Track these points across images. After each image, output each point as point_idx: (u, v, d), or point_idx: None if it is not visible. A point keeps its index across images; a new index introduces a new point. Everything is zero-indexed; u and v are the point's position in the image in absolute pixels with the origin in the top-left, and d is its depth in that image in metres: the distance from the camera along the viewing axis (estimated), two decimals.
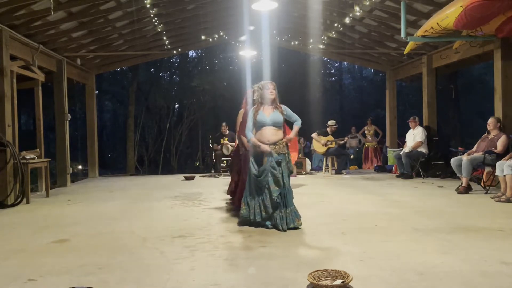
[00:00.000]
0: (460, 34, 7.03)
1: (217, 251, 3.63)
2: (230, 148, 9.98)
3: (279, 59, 17.24)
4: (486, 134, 7.17)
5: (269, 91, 4.57)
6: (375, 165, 12.19)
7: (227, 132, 10.62)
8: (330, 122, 10.61)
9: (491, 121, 6.95)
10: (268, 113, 4.54)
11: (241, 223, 4.59)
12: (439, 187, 7.67)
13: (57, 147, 9.34)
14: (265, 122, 4.51)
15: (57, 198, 7.29)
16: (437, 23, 6.29)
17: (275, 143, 4.50)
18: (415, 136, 9.32)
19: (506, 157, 6.14)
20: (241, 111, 5.65)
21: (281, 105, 4.65)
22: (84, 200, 6.95)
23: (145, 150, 20.17)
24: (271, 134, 4.50)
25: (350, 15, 8.73)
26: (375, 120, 13.77)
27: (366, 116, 14.91)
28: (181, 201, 6.54)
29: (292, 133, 4.77)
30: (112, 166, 21.19)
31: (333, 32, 10.22)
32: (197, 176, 10.74)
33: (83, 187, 9.04)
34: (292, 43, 11.93)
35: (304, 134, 12.73)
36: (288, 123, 4.98)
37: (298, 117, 4.75)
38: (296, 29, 11.24)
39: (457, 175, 7.03)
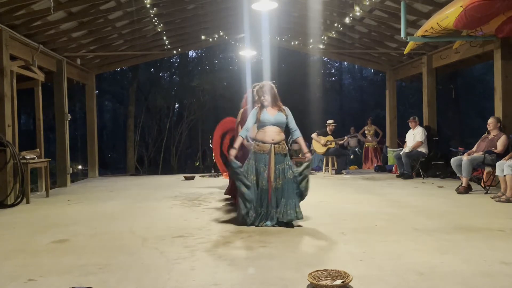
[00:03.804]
0: (460, 34, 7.03)
1: (217, 251, 3.63)
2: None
3: (279, 59, 17.22)
4: (486, 134, 7.17)
5: (262, 97, 4.70)
6: (375, 165, 12.18)
7: None
8: (329, 121, 10.63)
9: (491, 121, 6.95)
10: (272, 113, 4.66)
11: (240, 222, 4.62)
12: (439, 187, 7.67)
13: (57, 147, 9.34)
14: (269, 121, 4.62)
15: (57, 198, 7.28)
16: (437, 23, 6.29)
17: (278, 143, 4.60)
18: (415, 136, 9.32)
19: (506, 157, 6.14)
20: (241, 111, 5.65)
21: (285, 107, 4.75)
22: (84, 200, 6.95)
23: (145, 150, 20.16)
24: (275, 133, 4.62)
25: (350, 15, 8.73)
26: (375, 120, 13.75)
27: (366, 116, 14.90)
28: (181, 201, 6.54)
29: (305, 148, 4.83)
30: (112, 166, 21.18)
31: (333, 32, 10.22)
32: (197, 176, 10.74)
33: (83, 187, 9.04)
34: (292, 43, 11.93)
35: (304, 134, 12.67)
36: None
37: (297, 128, 4.82)
38: (296, 29, 11.23)
39: (457, 175, 7.03)
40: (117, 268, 3.21)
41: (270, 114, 4.63)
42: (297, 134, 4.81)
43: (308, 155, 4.76)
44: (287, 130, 4.87)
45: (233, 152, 4.65)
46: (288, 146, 4.91)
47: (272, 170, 4.53)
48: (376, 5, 8.09)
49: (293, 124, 4.77)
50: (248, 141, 5.22)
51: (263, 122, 4.62)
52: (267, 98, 4.67)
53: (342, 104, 25.66)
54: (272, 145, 4.57)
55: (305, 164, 4.64)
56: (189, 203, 6.32)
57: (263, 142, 4.60)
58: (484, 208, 5.49)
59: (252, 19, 9.66)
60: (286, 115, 4.69)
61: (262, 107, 4.70)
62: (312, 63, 19.22)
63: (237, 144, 4.75)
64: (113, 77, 22.30)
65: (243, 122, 5.36)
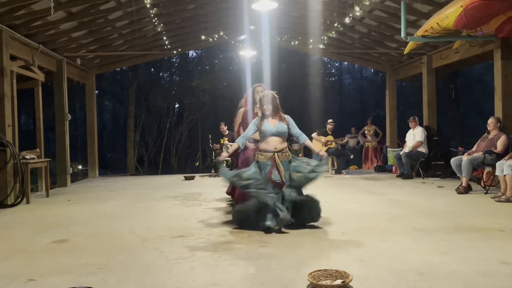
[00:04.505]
0: (460, 34, 7.03)
1: (217, 251, 3.63)
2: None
3: (279, 59, 17.21)
4: (486, 134, 7.17)
5: (265, 106, 4.69)
6: (375, 165, 12.18)
7: (227, 132, 10.62)
8: (329, 120, 10.66)
9: (491, 121, 6.95)
10: (273, 123, 4.67)
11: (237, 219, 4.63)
12: (439, 187, 7.67)
13: (57, 147, 9.34)
14: (270, 132, 4.63)
15: (57, 198, 7.29)
16: (437, 23, 6.29)
17: (281, 151, 4.61)
18: (415, 136, 9.32)
19: (506, 157, 6.14)
20: (241, 110, 5.64)
21: (285, 116, 4.77)
22: (84, 200, 6.95)
23: (145, 150, 20.15)
24: (277, 142, 4.64)
25: (350, 15, 8.72)
26: (375, 120, 13.75)
27: (366, 116, 14.90)
28: (181, 201, 6.54)
29: (316, 148, 4.92)
30: (112, 166, 21.17)
31: (333, 32, 10.22)
32: (197, 176, 10.74)
33: (83, 187, 9.04)
34: (292, 43, 11.93)
35: (304, 134, 12.63)
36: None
37: (302, 132, 4.84)
38: (296, 29, 11.23)
39: (457, 175, 7.03)
40: (117, 268, 3.21)
41: (271, 124, 4.66)
42: (303, 138, 4.83)
43: (322, 153, 4.76)
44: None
45: (224, 155, 4.80)
46: (289, 146, 4.91)
47: (282, 173, 4.53)
48: (376, 5, 8.08)
49: (296, 130, 4.80)
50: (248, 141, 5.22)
51: (264, 132, 4.65)
52: (269, 108, 4.70)
53: (342, 104, 25.65)
54: (275, 153, 4.58)
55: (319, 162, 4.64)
56: (189, 203, 6.32)
57: (265, 152, 4.61)
58: (484, 208, 5.49)
59: (252, 19, 9.66)
60: (287, 124, 4.71)
61: (263, 117, 4.71)
62: (312, 63, 19.20)
63: (231, 150, 4.84)
64: (113, 77, 22.28)
65: (243, 123, 5.36)
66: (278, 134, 4.63)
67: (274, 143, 4.61)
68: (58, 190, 8.58)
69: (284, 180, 4.51)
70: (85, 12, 7.79)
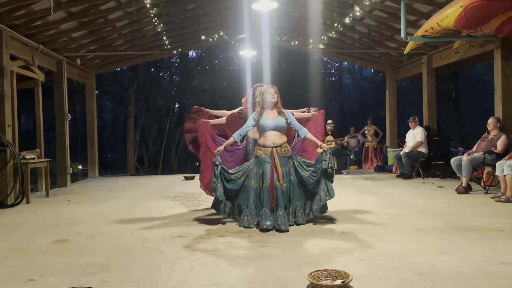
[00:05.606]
0: (460, 34, 7.03)
1: (217, 251, 3.63)
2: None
3: (279, 59, 17.20)
4: (486, 134, 7.17)
5: (270, 95, 4.68)
6: (375, 165, 12.18)
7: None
8: (328, 121, 10.66)
9: (491, 121, 6.95)
10: (272, 117, 4.65)
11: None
12: (439, 187, 7.67)
13: (57, 147, 9.34)
14: (269, 126, 4.62)
15: (57, 198, 7.29)
16: (437, 23, 6.29)
17: (279, 146, 4.60)
18: (415, 136, 9.32)
19: (506, 157, 6.14)
20: (239, 108, 5.61)
21: (284, 110, 4.74)
22: (84, 200, 6.95)
23: (145, 150, 20.15)
24: (276, 137, 4.62)
25: (350, 15, 8.72)
26: (375, 120, 13.75)
27: (366, 116, 14.90)
28: (181, 201, 6.54)
29: (318, 141, 4.71)
30: (112, 166, 21.17)
31: (333, 32, 10.22)
32: (197, 176, 10.72)
33: (83, 187, 9.04)
34: (292, 43, 11.93)
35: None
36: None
37: (302, 126, 4.78)
38: (296, 29, 11.23)
39: (457, 175, 7.03)
40: (117, 268, 3.21)
41: (269, 118, 4.64)
42: (304, 132, 4.74)
43: (324, 146, 4.61)
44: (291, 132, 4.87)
45: (220, 149, 4.68)
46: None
47: (279, 171, 4.52)
48: (376, 5, 8.08)
49: (296, 124, 4.76)
50: (246, 140, 5.20)
51: (263, 127, 4.63)
52: (274, 97, 4.67)
53: (342, 104, 25.65)
54: (274, 148, 4.57)
55: (319, 157, 4.62)
56: (189, 203, 6.32)
57: (264, 147, 4.60)
58: (484, 208, 5.49)
59: (252, 19, 9.66)
60: (286, 118, 4.68)
61: (262, 110, 4.68)
62: (312, 63, 19.20)
63: (226, 143, 4.79)
64: (113, 77, 22.30)
65: (230, 125, 5.34)
66: (276, 128, 4.61)
67: (272, 138, 4.59)
68: (58, 190, 8.58)
69: (280, 178, 4.50)
70: (85, 12, 7.79)
